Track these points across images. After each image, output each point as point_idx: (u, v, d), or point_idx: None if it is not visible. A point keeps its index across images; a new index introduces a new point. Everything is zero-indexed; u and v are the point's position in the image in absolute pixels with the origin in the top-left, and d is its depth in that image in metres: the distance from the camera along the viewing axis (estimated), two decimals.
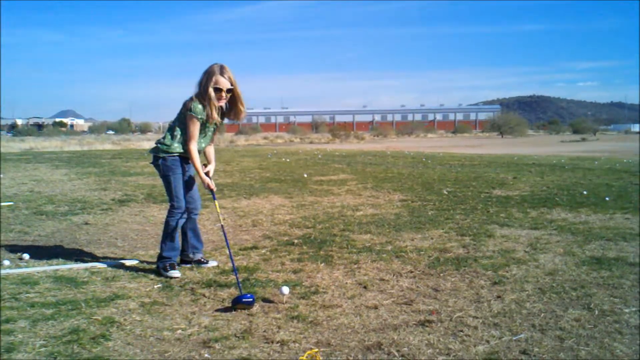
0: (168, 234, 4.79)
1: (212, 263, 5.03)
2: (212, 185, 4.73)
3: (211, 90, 4.54)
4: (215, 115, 4.62)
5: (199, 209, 5.03)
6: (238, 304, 3.82)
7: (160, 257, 4.80)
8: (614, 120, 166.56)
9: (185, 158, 4.77)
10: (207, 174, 4.77)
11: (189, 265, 4.96)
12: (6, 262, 5.03)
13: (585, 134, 64.24)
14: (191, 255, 5.01)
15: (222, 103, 4.66)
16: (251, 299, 3.85)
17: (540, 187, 10.72)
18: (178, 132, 4.69)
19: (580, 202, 8.52)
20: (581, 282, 4.34)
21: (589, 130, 71.51)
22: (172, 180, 4.75)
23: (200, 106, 4.57)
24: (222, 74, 4.57)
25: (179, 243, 4.88)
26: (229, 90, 4.62)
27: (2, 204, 8.87)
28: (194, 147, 4.63)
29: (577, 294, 4.05)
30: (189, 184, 4.88)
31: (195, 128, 4.62)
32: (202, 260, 5.03)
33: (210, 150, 4.95)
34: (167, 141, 4.70)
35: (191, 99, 4.60)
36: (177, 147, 4.70)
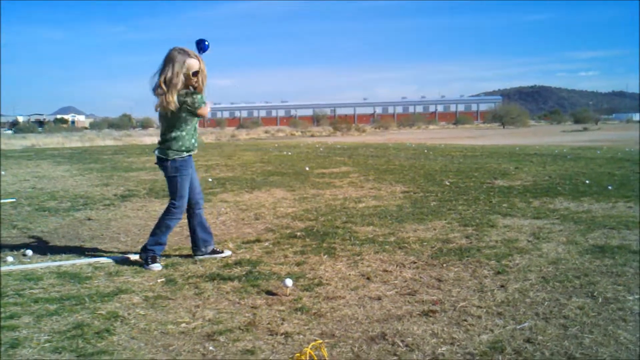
0: (160, 230, 4.84)
1: (227, 253, 5.08)
2: None
3: (182, 77, 4.52)
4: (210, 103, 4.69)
5: (202, 203, 5.07)
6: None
7: (145, 249, 4.83)
8: (615, 109, 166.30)
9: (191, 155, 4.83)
10: None
11: (199, 257, 4.99)
12: (9, 259, 5.04)
13: (587, 123, 64.06)
14: (203, 249, 5.04)
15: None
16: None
17: (542, 176, 10.70)
18: (180, 128, 4.69)
19: (583, 191, 8.50)
20: (584, 271, 4.34)
21: (591, 119, 71.31)
22: (180, 181, 4.76)
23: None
24: (190, 56, 4.56)
25: (166, 239, 4.90)
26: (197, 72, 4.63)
27: (4, 200, 8.88)
28: None
29: (580, 282, 4.05)
30: (193, 179, 4.92)
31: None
32: (217, 250, 5.08)
33: None
34: (173, 143, 4.70)
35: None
36: (186, 145, 4.75)
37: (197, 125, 4.86)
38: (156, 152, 4.79)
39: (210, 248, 5.05)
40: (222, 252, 5.09)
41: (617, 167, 12.17)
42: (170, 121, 4.67)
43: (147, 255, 4.78)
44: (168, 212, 4.83)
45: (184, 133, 4.70)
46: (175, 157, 4.70)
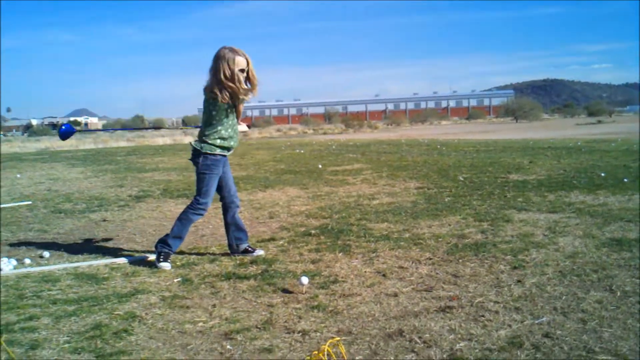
0: (182, 225, 4.84)
1: (259, 252, 5.09)
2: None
3: (238, 72, 4.56)
4: (247, 88, 4.69)
5: (237, 202, 5.08)
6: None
7: (163, 242, 4.84)
8: (629, 101, 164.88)
9: (225, 155, 4.84)
10: None
11: (233, 255, 5.04)
12: (27, 261, 5.07)
13: (601, 116, 63.56)
14: (235, 247, 5.09)
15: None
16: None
17: (557, 170, 10.64)
18: (217, 124, 4.73)
19: (598, 184, 8.44)
20: (602, 264, 4.31)
21: (605, 112, 70.75)
22: (208, 178, 4.77)
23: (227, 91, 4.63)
24: (238, 54, 4.60)
25: (185, 234, 4.91)
26: (243, 70, 4.65)
27: (20, 203, 8.95)
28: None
29: (598, 276, 4.02)
30: (226, 177, 4.94)
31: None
32: (249, 249, 5.10)
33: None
34: (209, 139, 4.73)
35: (213, 86, 4.62)
36: (219, 143, 4.74)
37: (236, 124, 4.89)
38: (192, 143, 4.86)
39: (242, 246, 5.09)
40: (253, 250, 5.10)
41: (633, 160, 12.07)
42: (209, 115, 4.76)
43: (162, 250, 4.80)
44: (191, 206, 4.86)
45: (222, 129, 4.76)
46: (209, 152, 4.74)
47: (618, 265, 4.28)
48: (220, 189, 4.97)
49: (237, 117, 4.85)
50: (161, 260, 4.76)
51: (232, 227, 5.06)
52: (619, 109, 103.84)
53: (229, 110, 4.70)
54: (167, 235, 4.87)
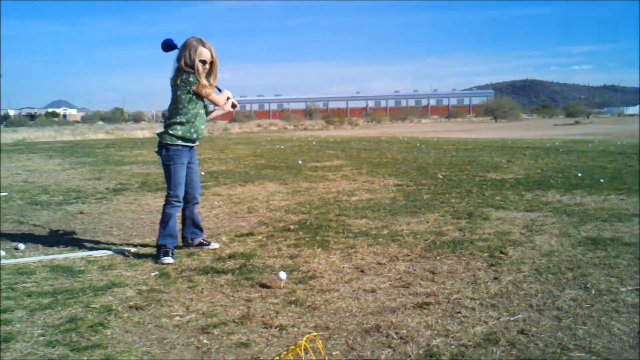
0: (163, 222, 4.81)
1: (214, 245, 5.10)
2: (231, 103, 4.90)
3: (198, 63, 4.58)
4: (207, 83, 4.67)
5: (198, 199, 5.05)
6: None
7: (157, 245, 4.82)
8: (607, 103, 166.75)
9: (189, 146, 4.80)
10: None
11: (187, 248, 5.01)
12: (2, 253, 5.01)
13: (579, 117, 64.21)
14: (190, 241, 5.06)
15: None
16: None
17: (534, 170, 10.74)
18: (179, 114, 4.71)
19: (575, 184, 8.54)
20: (577, 263, 4.35)
21: (582, 113, 71.48)
22: (173, 169, 4.75)
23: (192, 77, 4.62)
24: (203, 45, 4.62)
25: (176, 230, 4.86)
26: (210, 63, 4.67)
27: None
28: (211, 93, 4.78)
29: (573, 274, 4.07)
30: (191, 172, 4.90)
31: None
32: (204, 242, 5.10)
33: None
34: (170, 129, 4.71)
35: (177, 72, 4.65)
36: (180, 134, 4.71)
37: (203, 115, 4.84)
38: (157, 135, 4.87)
39: (198, 240, 5.09)
40: (209, 244, 5.11)
41: (609, 161, 12.22)
42: (173, 104, 4.75)
43: (159, 250, 4.75)
44: (166, 201, 4.83)
45: (183, 119, 4.71)
46: (169, 143, 4.72)
47: (593, 263, 4.33)
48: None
49: (207, 109, 4.85)
50: (161, 256, 4.69)
51: (189, 222, 5.05)
52: (596, 110, 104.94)
53: (191, 101, 4.69)
54: (157, 237, 4.87)
